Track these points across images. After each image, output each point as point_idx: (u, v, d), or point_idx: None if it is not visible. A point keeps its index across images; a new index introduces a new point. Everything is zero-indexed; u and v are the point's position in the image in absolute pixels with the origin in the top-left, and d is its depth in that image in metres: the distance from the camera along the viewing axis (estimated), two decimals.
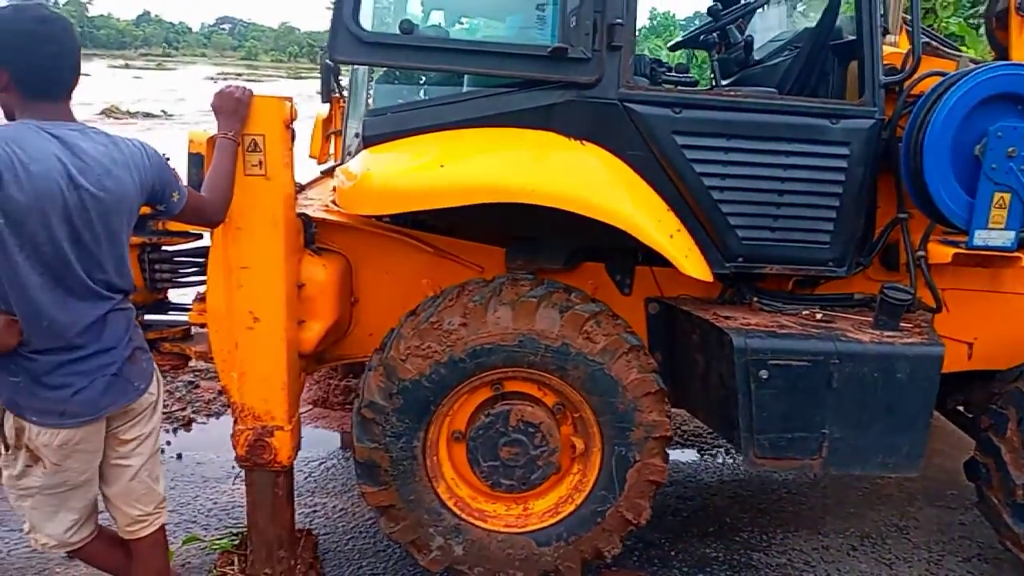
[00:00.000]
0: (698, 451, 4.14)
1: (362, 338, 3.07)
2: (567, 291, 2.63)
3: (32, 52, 1.79)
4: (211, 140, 2.43)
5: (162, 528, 2.24)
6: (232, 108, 2.36)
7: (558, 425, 2.67)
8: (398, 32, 2.56)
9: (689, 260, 2.58)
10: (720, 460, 4.05)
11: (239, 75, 52.38)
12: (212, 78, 46.90)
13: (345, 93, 4.30)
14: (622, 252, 2.95)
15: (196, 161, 2.49)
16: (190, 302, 2.86)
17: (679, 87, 3.10)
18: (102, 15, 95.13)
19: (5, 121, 1.88)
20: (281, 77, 47.98)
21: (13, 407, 1.89)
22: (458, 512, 2.68)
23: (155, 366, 2.14)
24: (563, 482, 2.74)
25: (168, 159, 2.12)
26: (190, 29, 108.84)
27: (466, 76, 2.79)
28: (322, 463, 3.78)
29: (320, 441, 4.03)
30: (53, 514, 2.04)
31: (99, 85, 28.71)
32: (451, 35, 2.91)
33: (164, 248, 2.95)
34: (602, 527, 2.67)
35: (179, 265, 2.99)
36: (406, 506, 2.63)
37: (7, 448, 1.95)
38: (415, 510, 2.63)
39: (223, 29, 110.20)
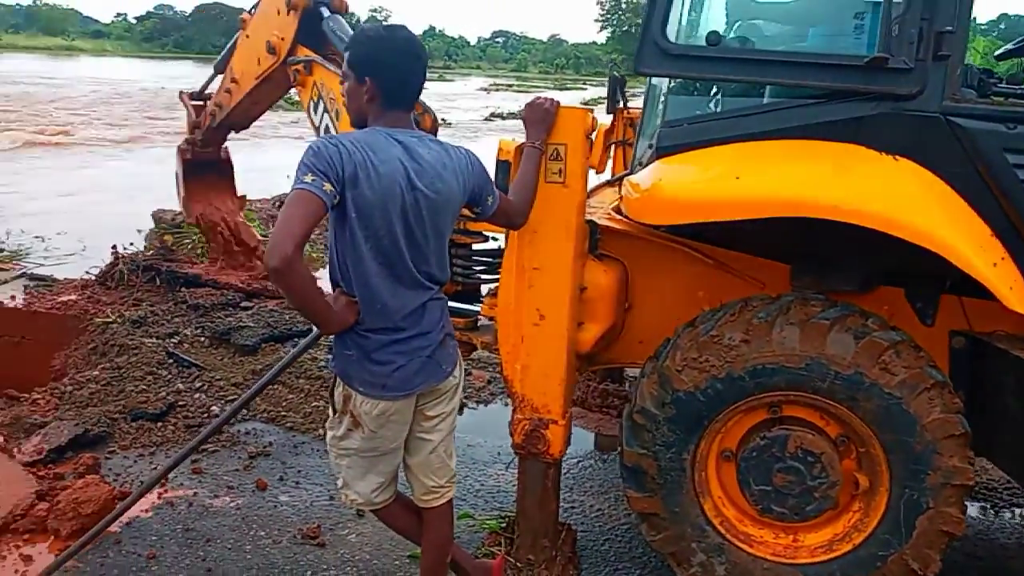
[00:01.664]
0: (992, 506, 3.67)
1: (632, 344, 3.11)
2: (863, 315, 2.46)
3: (401, 68, 2.06)
4: (518, 148, 2.61)
5: (451, 501, 2.45)
6: (540, 118, 2.51)
7: (840, 458, 2.51)
8: (704, 44, 2.57)
9: (1014, 293, 2.30)
10: (1018, 520, 3.56)
11: (509, 86, 55.40)
12: (484, 89, 50.15)
13: (629, 105, 4.40)
14: (927, 278, 2.70)
15: (503, 168, 2.68)
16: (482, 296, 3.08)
17: (1012, 100, 2.76)
18: None
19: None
20: (548, 88, 49.90)
21: (344, 377, 2.16)
22: (723, 532, 2.62)
23: (459, 353, 2.35)
24: (840, 518, 2.56)
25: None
26: (468, 43, 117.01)
27: (768, 88, 2.73)
28: (579, 462, 3.89)
29: (577, 440, 4.10)
30: (363, 475, 2.31)
31: None
32: (757, 46, 2.85)
33: (462, 245, 3.20)
34: (882, 573, 2.47)
35: (472, 263, 3.23)
36: (670, 517, 2.62)
37: (335, 412, 2.24)
38: (679, 522, 2.61)
39: (497, 42, 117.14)
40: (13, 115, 21.38)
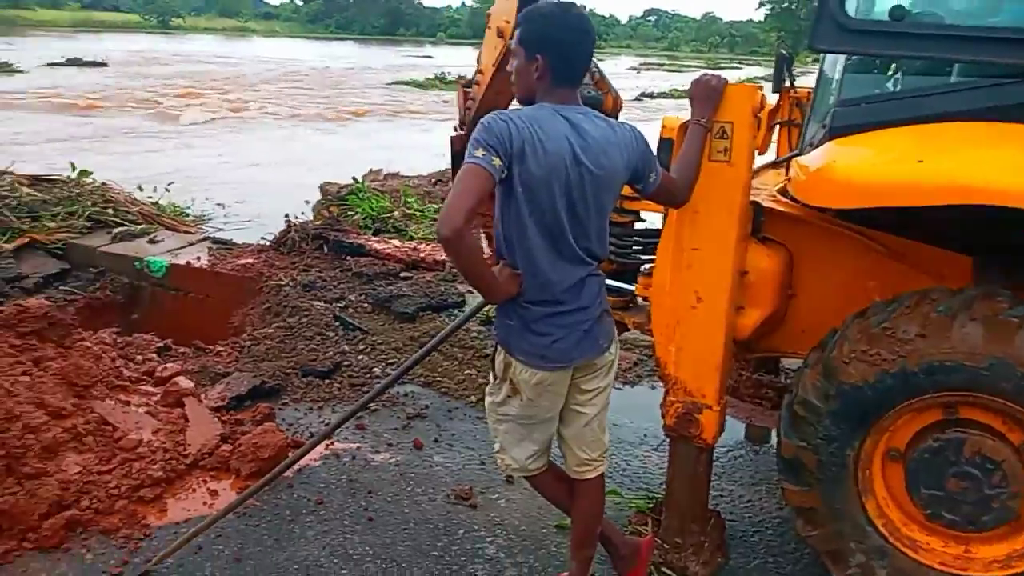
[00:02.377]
0: None
1: (794, 333, 3.01)
2: None
3: (573, 45, 2.09)
4: (682, 126, 2.57)
5: (602, 475, 2.49)
6: (706, 95, 2.47)
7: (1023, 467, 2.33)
8: (887, 19, 2.43)
9: None
10: None
11: (660, 65, 54.25)
12: (634, 68, 49.36)
13: (796, 84, 4.21)
14: None
15: (666, 146, 2.66)
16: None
17: None
18: None
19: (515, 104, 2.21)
20: (700, 67, 48.41)
21: (505, 345, 2.24)
22: (886, 534, 2.50)
23: (615, 329, 2.37)
24: (1021, 533, 2.39)
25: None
26: (619, 21, 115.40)
27: (956, 66, 2.55)
28: (729, 451, 3.82)
29: (728, 429, 4.02)
30: (519, 441, 2.39)
31: None
32: (945, 21, 2.66)
33: (619, 224, 3.20)
34: None
35: (628, 242, 3.23)
36: (829, 513, 2.54)
37: (495, 378, 2.33)
38: (838, 520, 2.52)
39: (649, 21, 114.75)
40: (198, 91, 23.30)
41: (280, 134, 16.56)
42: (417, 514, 3.14)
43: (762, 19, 75.56)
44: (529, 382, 2.23)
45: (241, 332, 5.32)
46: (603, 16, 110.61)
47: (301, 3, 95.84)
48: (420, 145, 13.07)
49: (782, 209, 2.90)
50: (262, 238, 6.88)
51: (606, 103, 3.09)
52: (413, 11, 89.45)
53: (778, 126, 4.30)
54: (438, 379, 4.37)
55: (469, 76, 5.96)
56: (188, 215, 8.44)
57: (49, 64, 28.87)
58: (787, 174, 3.11)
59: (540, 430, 2.37)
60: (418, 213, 8.58)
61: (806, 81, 4.14)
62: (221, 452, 3.32)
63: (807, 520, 2.58)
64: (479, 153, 1.95)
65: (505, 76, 4.89)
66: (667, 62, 59.50)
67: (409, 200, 8.79)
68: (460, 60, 29.89)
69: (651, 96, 27.27)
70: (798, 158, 2.98)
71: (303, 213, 7.73)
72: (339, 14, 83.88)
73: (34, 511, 2.77)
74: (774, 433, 3.03)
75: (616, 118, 2.46)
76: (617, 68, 48.68)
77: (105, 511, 2.91)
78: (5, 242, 6.24)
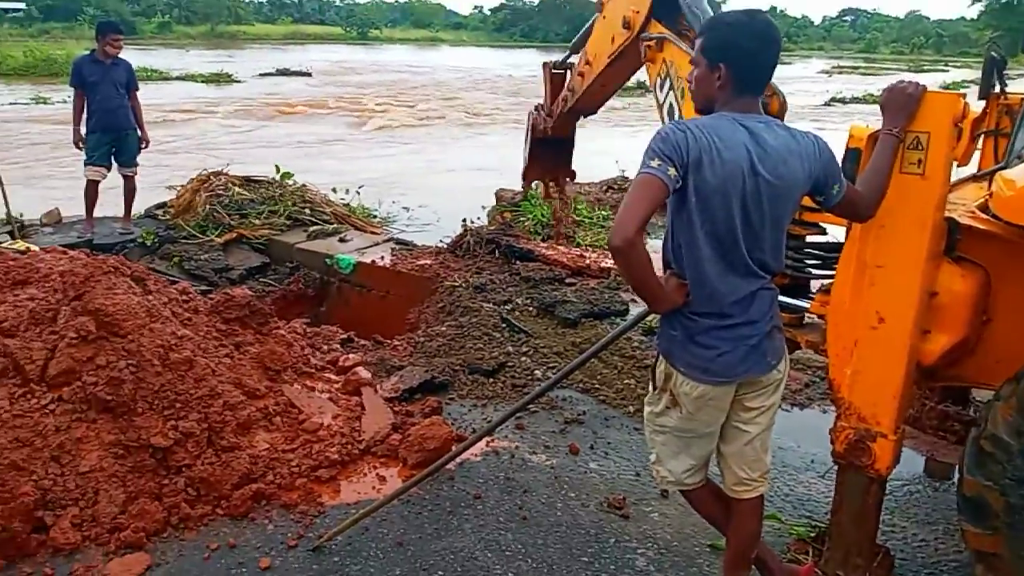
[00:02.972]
0: None
1: (986, 362, 2.74)
2: None
3: (757, 54, 2.05)
4: (871, 136, 2.43)
5: (761, 497, 2.40)
6: (901, 103, 2.31)
7: None
8: None
9: None
10: None
11: (854, 68, 50.99)
12: (826, 71, 46.71)
13: (1007, 90, 3.83)
14: None
15: (852, 156, 2.52)
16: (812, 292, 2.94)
17: None
18: None
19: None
20: (899, 71, 45.00)
21: (667, 356, 2.23)
22: None
23: (786, 347, 2.28)
24: None
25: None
26: (811, 22, 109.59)
27: None
28: (905, 485, 3.55)
29: (905, 461, 3.73)
30: (676, 454, 2.36)
31: None
32: None
33: (795, 237, 3.07)
34: None
35: (804, 256, 3.09)
36: (1015, 561, 2.30)
37: (654, 388, 2.32)
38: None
39: (845, 21, 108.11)
40: (391, 98, 24.78)
41: (466, 140, 17.29)
42: (570, 518, 3.18)
43: (975, 16, 68.79)
44: (690, 395, 2.20)
45: (416, 328, 5.61)
46: (794, 17, 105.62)
47: (489, 13, 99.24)
48: (597, 150, 13.13)
49: (981, 227, 2.65)
50: (440, 241, 7.22)
51: (771, 106, 2.98)
52: None
53: (983, 136, 3.93)
54: (597, 386, 4.39)
55: (557, 59, 5.92)
56: (375, 216, 9.03)
57: (262, 74, 31.84)
58: (989, 189, 2.85)
59: (698, 444, 2.33)
60: (587, 220, 8.65)
61: (1019, 87, 3.77)
62: (391, 440, 3.53)
63: (988, 567, 2.36)
64: (655, 163, 1.95)
65: (621, 67, 4.72)
66: (862, 65, 55.80)
67: (579, 207, 8.87)
68: None
69: (842, 101, 25.74)
70: (1003, 171, 2.72)
71: (479, 218, 8.02)
72: (524, 22, 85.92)
73: (227, 481, 3.08)
74: (957, 469, 2.79)
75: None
76: (806, 71, 46.35)
77: (287, 487, 3.18)
78: (216, 236, 6.98)
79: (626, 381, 4.42)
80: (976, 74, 3.81)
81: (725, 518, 2.46)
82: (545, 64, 6.08)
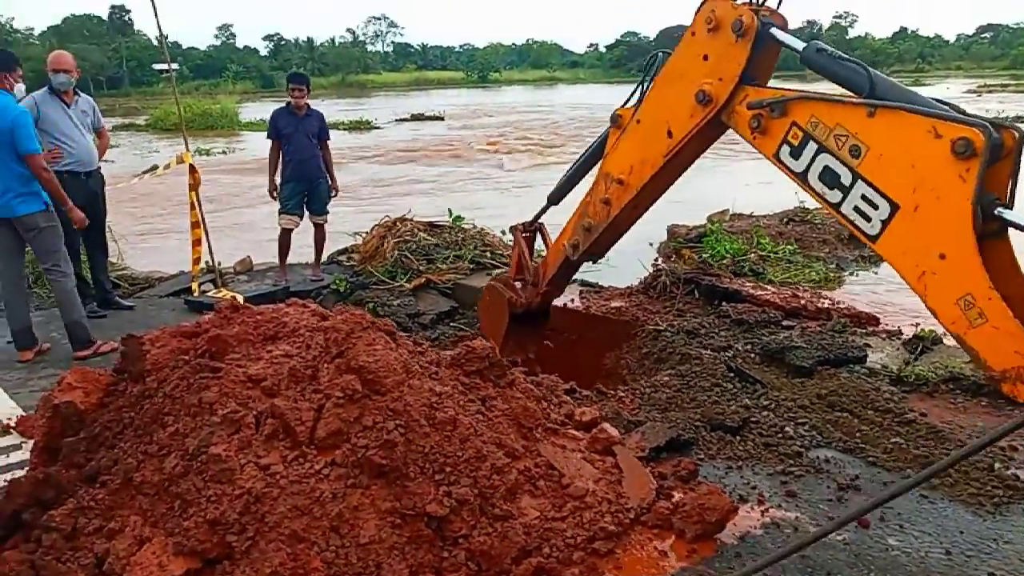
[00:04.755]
0: None
1: None
2: None
3: None
4: None
5: None
6: None
7: None
8: None
9: None
10: None
11: (1004, 87, 47.60)
12: (973, 91, 43.75)
13: None
14: None
15: None
16: None
17: None
18: (859, 36, 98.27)
19: None
20: None
21: None
22: None
23: None
24: None
25: None
26: (946, 41, 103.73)
27: None
28: None
29: None
30: None
31: None
32: None
33: None
34: None
35: None
36: None
37: None
38: None
39: (984, 38, 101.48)
40: (520, 138, 25.04)
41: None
42: None
43: None
44: None
45: (611, 375, 5.31)
46: (927, 37, 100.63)
47: (604, 50, 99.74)
48: (761, 180, 12.52)
49: None
50: (628, 282, 6.92)
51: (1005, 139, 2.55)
52: (861, 46, 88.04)
53: None
54: (860, 445, 3.92)
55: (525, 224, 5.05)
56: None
57: (397, 120, 33.03)
58: None
59: None
60: (772, 255, 8.17)
61: None
62: (659, 508, 3.21)
63: None
64: None
65: (686, 157, 3.73)
66: (1012, 82, 51.90)
67: (762, 241, 8.41)
68: None
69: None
70: None
71: (657, 258, 7.70)
72: (641, 57, 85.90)
73: (507, 554, 2.84)
74: None
75: None
76: (950, 92, 43.48)
77: (564, 560, 2.91)
78: (406, 281, 6.98)
79: (893, 439, 3.94)
80: None
81: None
82: (515, 228, 5.33)
